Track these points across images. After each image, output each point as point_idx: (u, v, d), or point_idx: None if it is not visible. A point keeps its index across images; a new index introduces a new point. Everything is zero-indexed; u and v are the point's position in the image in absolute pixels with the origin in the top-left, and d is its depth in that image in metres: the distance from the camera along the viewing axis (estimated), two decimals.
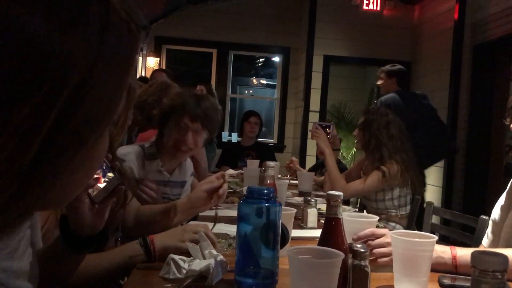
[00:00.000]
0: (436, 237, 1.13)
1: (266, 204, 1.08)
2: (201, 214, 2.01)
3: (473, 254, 0.52)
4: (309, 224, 1.76)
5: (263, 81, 9.96)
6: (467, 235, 2.23)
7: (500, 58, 4.60)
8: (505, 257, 0.51)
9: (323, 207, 2.08)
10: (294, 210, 1.42)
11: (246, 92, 10.25)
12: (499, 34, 4.37)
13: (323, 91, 5.98)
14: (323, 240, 1.07)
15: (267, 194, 1.09)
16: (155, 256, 1.27)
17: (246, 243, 1.10)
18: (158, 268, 1.19)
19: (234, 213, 2.06)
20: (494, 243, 1.59)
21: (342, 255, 0.90)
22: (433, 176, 5.15)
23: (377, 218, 1.43)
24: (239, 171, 3.81)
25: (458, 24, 4.88)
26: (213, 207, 2.20)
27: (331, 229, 1.07)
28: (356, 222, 1.30)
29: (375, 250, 1.26)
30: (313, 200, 1.81)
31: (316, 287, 0.87)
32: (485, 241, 1.65)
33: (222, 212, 2.08)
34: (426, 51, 5.69)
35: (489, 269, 0.50)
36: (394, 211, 2.82)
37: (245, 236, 1.10)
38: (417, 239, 1.12)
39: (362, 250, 1.06)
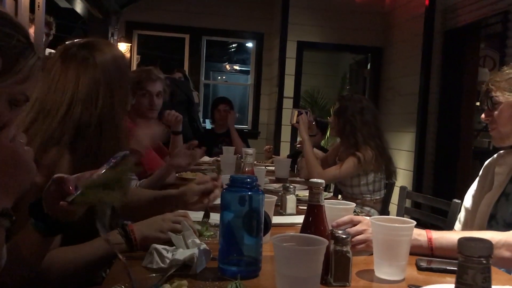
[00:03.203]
0: (414, 222, 1.16)
1: (249, 193, 1.09)
2: None
3: (459, 240, 0.54)
4: (288, 211, 1.78)
5: (236, 67, 9.92)
6: (439, 218, 2.30)
7: (470, 44, 4.70)
8: (490, 243, 0.53)
9: (301, 193, 2.11)
10: (275, 198, 1.44)
11: (219, 78, 10.19)
12: (468, 20, 4.46)
13: (296, 77, 5.99)
14: (306, 227, 1.09)
15: (250, 182, 1.10)
16: (136, 246, 1.26)
17: (230, 231, 1.10)
18: (139, 258, 1.19)
19: None
20: (467, 228, 1.64)
21: (326, 242, 0.92)
22: (404, 161, 5.27)
23: (354, 205, 1.47)
24: (214, 158, 3.81)
25: (429, 10, 4.94)
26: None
27: (314, 216, 1.09)
28: (334, 209, 1.33)
29: (353, 238, 1.28)
30: (291, 187, 1.83)
31: (301, 273, 0.89)
32: (457, 226, 1.70)
33: None
34: (398, 37, 5.76)
35: (474, 254, 0.52)
36: (368, 195, 2.88)
37: (228, 225, 1.10)
38: (396, 225, 1.15)
39: (344, 236, 1.08)
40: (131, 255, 1.23)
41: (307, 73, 6.69)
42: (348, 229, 1.27)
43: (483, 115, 1.54)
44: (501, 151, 1.65)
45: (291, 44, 5.90)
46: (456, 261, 1.19)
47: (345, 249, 1.07)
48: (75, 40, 1.40)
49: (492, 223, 1.53)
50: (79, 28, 6.83)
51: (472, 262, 0.52)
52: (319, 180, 1.09)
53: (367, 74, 6.60)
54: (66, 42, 1.38)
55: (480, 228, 1.55)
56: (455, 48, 4.76)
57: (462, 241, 0.53)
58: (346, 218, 1.32)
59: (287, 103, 5.83)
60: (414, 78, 5.13)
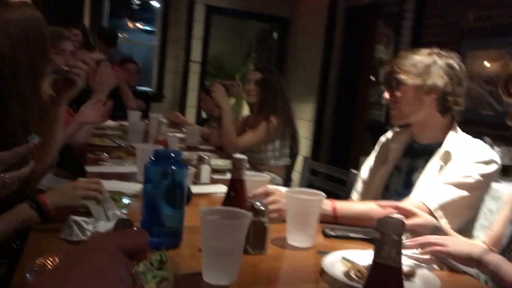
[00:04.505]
0: (324, 195, 1.27)
1: (174, 167, 1.11)
2: (89, 171, 1.96)
3: (378, 219, 0.63)
4: (203, 180, 1.83)
5: (139, 25, 9.51)
6: (338, 186, 2.50)
7: (369, 21, 4.99)
8: (402, 222, 0.62)
9: (214, 162, 2.17)
10: (194, 169, 1.47)
11: (121, 36, 9.71)
12: (369, 0, 4.73)
13: (204, 42, 5.94)
14: (228, 200, 1.15)
15: (175, 157, 1.12)
16: (50, 218, 1.23)
17: (152, 204, 1.12)
18: (55, 230, 1.17)
19: (123, 169, 2.05)
20: (363, 197, 1.82)
21: (250, 216, 0.99)
22: (304, 130, 5.54)
23: (269, 177, 1.56)
24: (119, 122, 3.70)
25: None
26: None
27: (236, 190, 1.15)
28: (253, 182, 1.41)
29: None
30: (206, 157, 1.88)
31: (226, 245, 0.95)
32: (355, 195, 1.88)
33: (111, 168, 2.05)
34: (304, 9, 5.92)
35: (390, 232, 0.62)
36: (273, 161, 3.03)
37: (151, 197, 1.12)
38: (308, 197, 1.25)
39: (263, 208, 1.16)
40: (46, 227, 1.21)
41: (212, 37, 6.65)
42: (264, 200, 1.36)
43: (386, 95, 1.68)
44: (396, 128, 1.83)
45: (199, 7, 5.81)
46: (357, 228, 1.34)
47: (263, 220, 1.16)
48: None
49: (386, 194, 1.71)
50: None
51: (388, 239, 0.61)
52: (242, 156, 1.15)
53: (273, 44, 6.73)
54: None
55: (375, 197, 1.73)
56: (356, 25, 5.03)
57: (380, 220, 0.62)
58: (261, 189, 1.41)
59: (194, 68, 5.77)
60: (317, 51, 5.35)
